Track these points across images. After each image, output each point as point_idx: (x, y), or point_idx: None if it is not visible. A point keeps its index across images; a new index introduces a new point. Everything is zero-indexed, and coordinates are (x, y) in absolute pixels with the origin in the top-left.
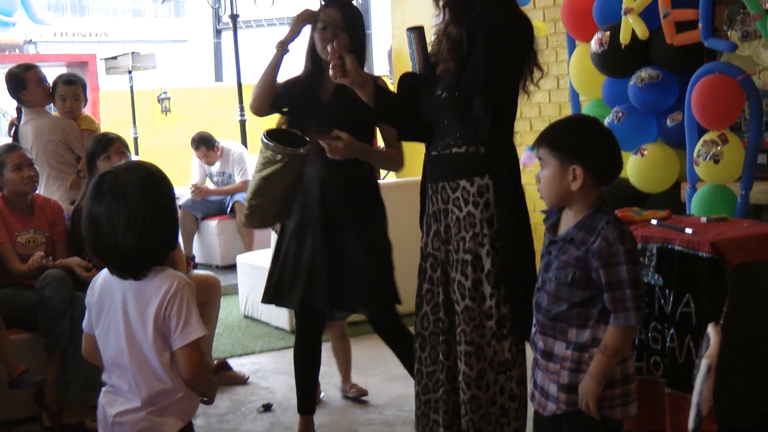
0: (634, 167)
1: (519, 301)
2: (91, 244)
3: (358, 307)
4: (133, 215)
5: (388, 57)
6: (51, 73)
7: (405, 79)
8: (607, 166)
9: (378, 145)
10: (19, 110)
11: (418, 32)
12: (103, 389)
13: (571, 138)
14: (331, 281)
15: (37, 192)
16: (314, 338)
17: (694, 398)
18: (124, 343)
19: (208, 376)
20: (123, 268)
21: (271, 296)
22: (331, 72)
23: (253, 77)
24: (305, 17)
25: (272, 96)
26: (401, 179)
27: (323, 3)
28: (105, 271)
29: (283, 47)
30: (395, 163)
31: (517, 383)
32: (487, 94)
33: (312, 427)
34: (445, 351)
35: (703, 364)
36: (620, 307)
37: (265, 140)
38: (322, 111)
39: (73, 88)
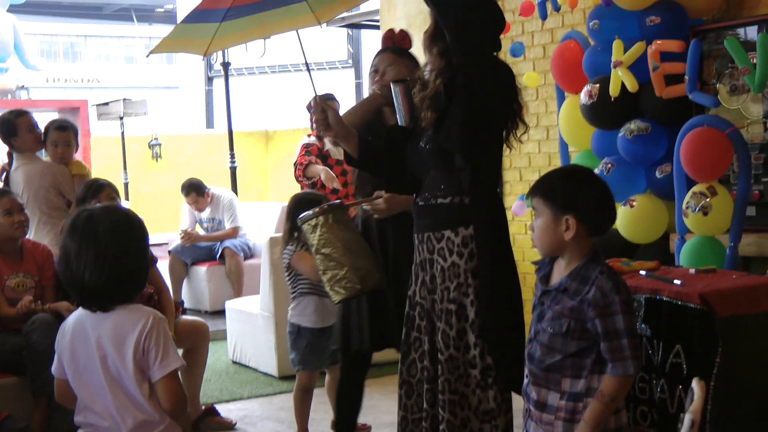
0: (623, 218)
1: (502, 351)
2: (62, 274)
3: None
4: (101, 255)
5: None
6: (43, 119)
7: (391, 132)
8: (600, 217)
9: None
10: (10, 155)
11: (403, 85)
12: (81, 431)
13: (565, 188)
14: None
15: (27, 237)
16: (359, 379)
17: None
18: (102, 379)
19: (186, 407)
20: (89, 301)
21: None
22: (314, 126)
23: (243, 124)
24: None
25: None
26: None
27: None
28: (74, 315)
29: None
30: None
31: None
32: (463, 149)
33: None
34: (430, 399)
35: (687, 419)
36: (618, 356)
37: (300, 216)
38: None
39: (65, 134)
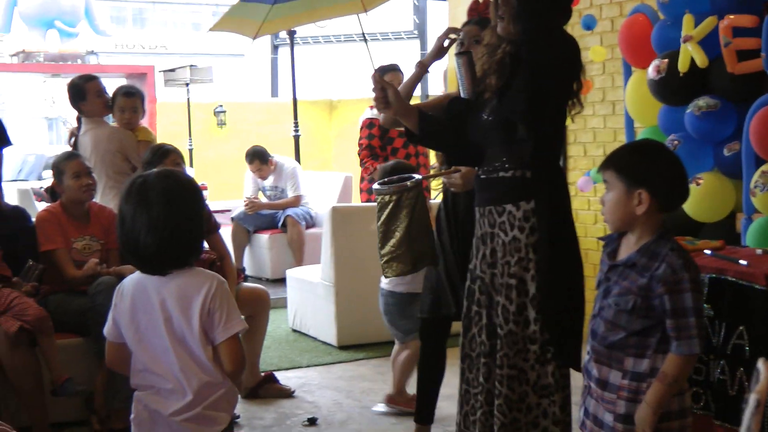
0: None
1: (560, 327)
2: (119, 238)
3: None
4: (154, 219)
5: (443, 78)
6: (111, 84)
7: (453, 104)
8: (673, 193)
9: None
10: (79, 120)
11: (466, 57)
12: (140, 392)
13: (638, 162)
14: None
15: (93, 200)
16: (439, 346)
17: None
18: (167, 341)
19: (244, 370)
20: (144, 265)
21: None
22: (373, 103)
23: (307, 93)
24: (446, 35)
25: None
26: None
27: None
28: (132, 278)
29: (422, 67)
30: None
31: (560, 408)
32: (527, 122)
33: None
34: (485, 374)
35: (752, 399)
36: (684, 334)
37: (375, 186)
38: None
39: (132, 100)
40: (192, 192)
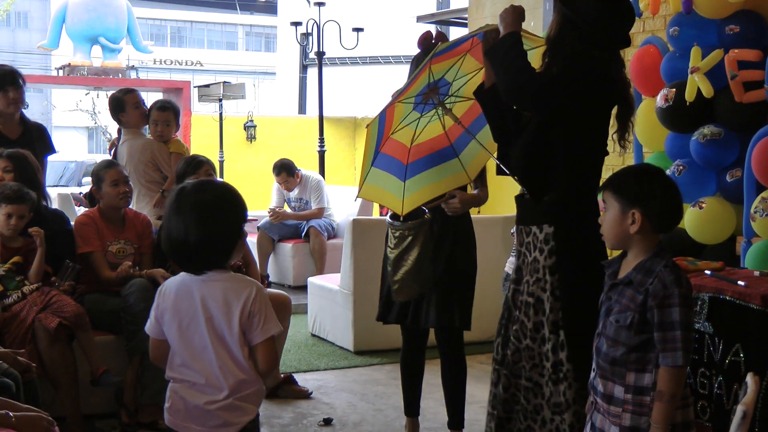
0: (691, 219)
1: (578, 349)
2: (162, 239)
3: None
4: (187, 224)
5: None
6: (150, 98)
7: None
8: (666, 215)
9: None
10: (119, 131)
11: None
12: (174, 384)
13: (634, 184)
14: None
15: (129, 207)
16: (418, 348)
17: None
18: (207, 339)
19: (276, 368)
20: (182, 264)
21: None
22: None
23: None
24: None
25: None
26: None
27: None
28: (177, 279)
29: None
30: (483, 201)
31: (569, 426)
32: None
33: (418, 428)
34: (495, 380)
35: (739, 410)
36: (669, 347)
37: (392, 222)
38: None
39: (165, 114)
40: (223, 201)
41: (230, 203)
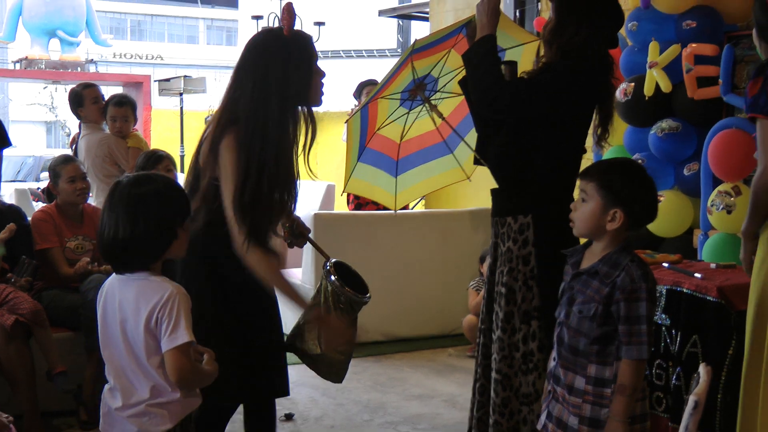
0: None
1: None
2: (96, 236)
3: None
4: (114, 220)
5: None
6: (109, 92)
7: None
8: (645, 216)
9: None
10: (80, 126)
11: (510, 67)
12: (107, 386)
13: (623, 185)
14: None
15: (87, 202)
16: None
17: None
18: (120, 342)
19: (196, 382)
20: (107, 261)
21: None
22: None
23: None
24: None
25: None
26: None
27: None
28: (111, 277)
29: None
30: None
31: (537, 417)
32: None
33: None
34: (478, 371)
35: (691, 400)
36: (635, 340)
37: (334, 280)
38: None
39: (123, 109)
40: (157, 197)
41: (166, 200)
